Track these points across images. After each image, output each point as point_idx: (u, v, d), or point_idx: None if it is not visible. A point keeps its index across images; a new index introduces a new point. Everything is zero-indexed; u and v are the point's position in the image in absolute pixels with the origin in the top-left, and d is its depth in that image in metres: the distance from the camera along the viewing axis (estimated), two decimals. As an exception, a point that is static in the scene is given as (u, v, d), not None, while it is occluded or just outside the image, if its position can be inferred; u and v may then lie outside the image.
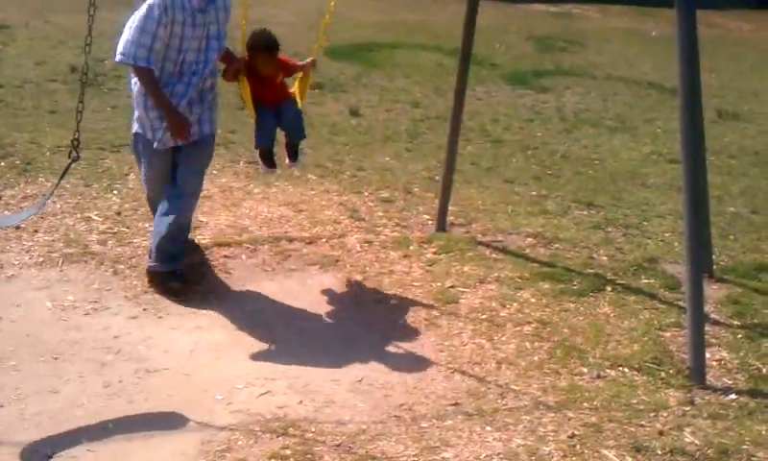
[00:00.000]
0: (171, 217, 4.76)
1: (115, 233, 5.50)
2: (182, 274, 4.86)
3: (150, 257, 4.87)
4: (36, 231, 5.40)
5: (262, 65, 4.80)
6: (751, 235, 6.26)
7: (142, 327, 4.47)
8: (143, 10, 4.43)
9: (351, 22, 13.20)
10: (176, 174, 4.87)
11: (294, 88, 5.10)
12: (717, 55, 12.83)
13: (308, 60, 5.05)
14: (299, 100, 5.03)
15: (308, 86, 5.14)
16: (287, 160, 5.17)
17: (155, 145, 4.74)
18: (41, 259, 5.08)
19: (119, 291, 4.80)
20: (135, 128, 4.84)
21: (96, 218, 5.72)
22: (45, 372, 4.00)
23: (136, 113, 4.79)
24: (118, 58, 4.54)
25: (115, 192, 6.19)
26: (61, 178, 4.24)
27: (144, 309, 4.64)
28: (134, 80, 4.70)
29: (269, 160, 5.06)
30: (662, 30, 14.68)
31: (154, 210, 5.01)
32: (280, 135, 5.10)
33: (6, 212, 5.66)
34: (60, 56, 10.11)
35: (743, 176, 7.77)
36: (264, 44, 4.80)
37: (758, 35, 16.35)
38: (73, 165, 4.18)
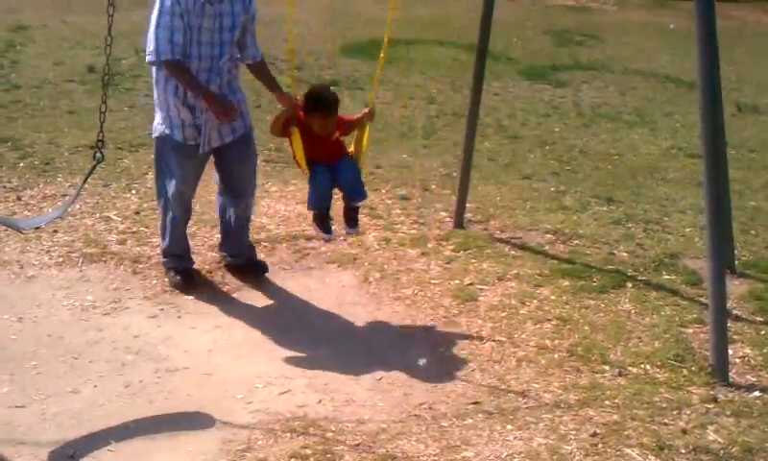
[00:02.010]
0: (242, 219, 4.98)
1: (134, 233, 5.51)
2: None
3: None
4: (55, 232, 5.42)
5: (320, 127, 4.38)
6: (772, 230, 6.19)
7: (162, 326, 4.48)
8: (156, 5, 4.42)
9: (366, 18, 13.18)
10: (229, 174, 4.84)
11: (351, 146, 4.63)
12: (735, 48, 12.70)
13: (365, 110, 4.60)
14: (357, 157, 4.57)
15: (367, 141, 4.60)
16: (345, 226, 4.71)
17: (200, 151, 4.64)
18: (61, 260, 5.11)
19: (138, 291, 4.81)
20: (161, 130, 4.68)
21: (115, 218, 5.74)
22: (66, 372, 4.01)
23: (160, 116, 4.67)
24: (147, 59, 4.51)
25: (134, 192, 6.21)
26: (86, 179, 4.25)
27: (163, 309, 4.65)
28: (155, 78, 4.64)
29: (324, 225, 4.58)
30: (680, 23, 14.56)
31: (182, 213, 4.87)
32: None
33: (26, 214, 5.69)
34: (77, 56, 10.16)
35: (764, 170, 7.69)
36: (325, 105, 4.39)
37: (778, 26, 16.18)
38: (88, 165, 4.18)
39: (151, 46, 4.44)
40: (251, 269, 5.07)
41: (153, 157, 4.96)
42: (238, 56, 4.71)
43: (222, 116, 4.49)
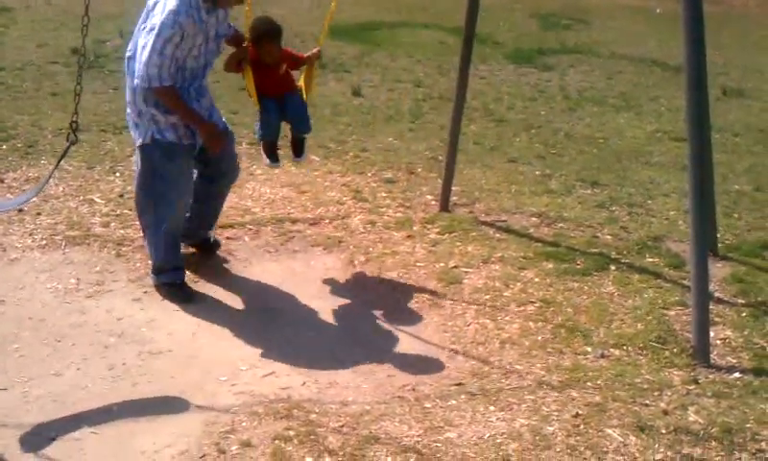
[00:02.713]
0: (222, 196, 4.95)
1: (118, 216, 5.49)
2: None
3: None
4: (38, 214, 5.40)
5: (266, 54, 4.60)
6: (755, 213, 6.23)
7: (145, 309, 4.47)
8: (156, 28, 4.14)
9: (352, 1, 13.12)
10: (214, 163, 4.69)
11: (300, 81, 4.88)
12: (722, 32, 12.73)
13: (313, 50, 4.84)
14: (305, 93, 4.82)
15: (315, 78, 4.91)
16: (292, 155, 4.95)
17: (196, 146, 4.51)
18: (44, 242, 5.08)
19: (122, 273, 4.80)
20: (150, 135, 4.40)
21: (99, 201, 5.71)
22: (49, 355, 4.00)
23: (144, 124, 4.40)
24: (137, 83, 4.26)
25: (117, 174, 6.18)
26: (59, 161, 4.14)
27: (147, 292, 4.63)
28: (134, 92, 4.38)
29: (273, 154, 4.84)
30: (666, 7, 14.57)
31: (181, 223, 4.67)
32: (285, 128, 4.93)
33: (8, 196, 5.65)
34: (61, 38, 10.08)
35: (748, 154, 7.73)
36: (268, 31, 4.62)
37: (764, 11, 16.22)
38: (73, 148, 4.09)
39: (143, 71, 4.19)
40: (204, 248, 5.06)
41: (135, 169, 4.62)
42: None
43: (212, 147, 4.47)
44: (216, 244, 5.13)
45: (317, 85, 4.93)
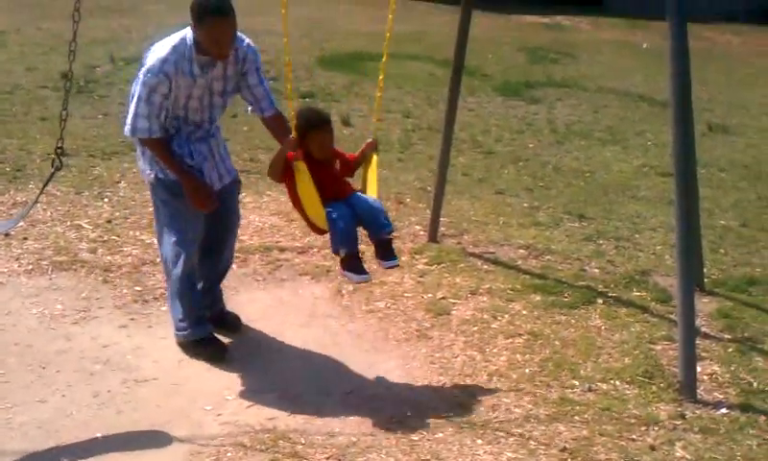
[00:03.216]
0: (219, 274, 4.54)
1: (105, 242, 5.47)
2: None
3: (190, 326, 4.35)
4: (25, 239, 5.37)
5: (318, 146, 3.93)
6: (741, 249, 6.27)
7: (131, 336, 4.44)
8: (140, 77, 3.97)
9: (343, 32, 13.22)
10: (208, 227, 4.32)
11: (358, 183, 4.22)
12: (707, 68, 12.90)
13: (367, 142, 4.21)
14: (371, 191, 4.11)
15: (376, 172, 4.14)
16: (382, 263, 4.12)
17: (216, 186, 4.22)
18: (30, 267, 5.05)
19: (108, 300, 4.77)
20: (156, 175, 4.17)
21: (86, 226, 5.69)
22: (33, 381, 3.96)
23: (146, 160, 4.20)
24: (126, 132, 4.07)
25: (106, 200, 6.17)
26: (45, 186, 4.09)
27: (133, 319, 4.61)
28: (126, 129, 4.10)
29: (357, 265, 3.98)
30: (653, 42, 14.77)
31: (193, 267, 4.32)
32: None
33: (-5, 220, 5.62)
34: (51, 62, 10.08)
35: (733, 189, 7.80)
36: (317, 119, 3.99)
37: (747, 48, 16.46)
38: (60, 173, 4.00)
39: (129, 119, 4.01)
40: (221, 321, 4.58)
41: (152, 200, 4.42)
42: (249, 109, 4.31)
43: (196, 204, 4.09)
44: (235, 321, 4.64)
45: (379, 179, 4.21)
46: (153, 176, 4.17)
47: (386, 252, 4.05)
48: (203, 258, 4.41)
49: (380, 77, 4.25)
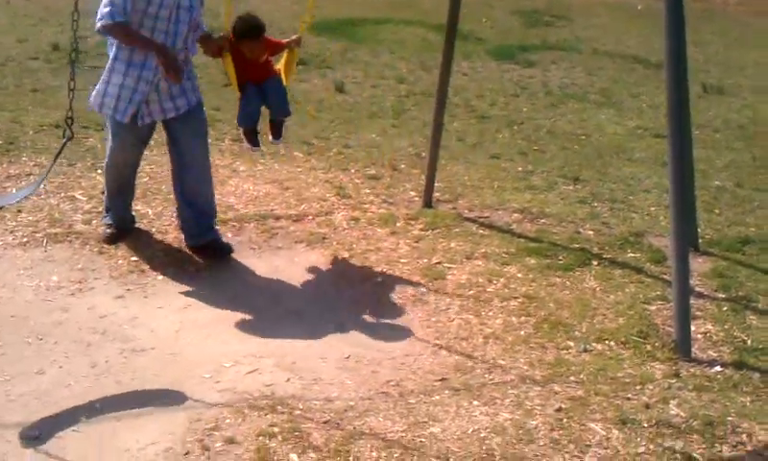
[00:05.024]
0: (196, 193, 4.97)
1: (100, 213, 5.45)
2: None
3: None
4: (19, 212, 5.36)
5: (249, 50, 4.74)
6: (735, 209, 6.29)
7: (128, 306, 4.45)
8: None
9: (336, -2, 13.10)
10: (178, 150, 4.91)
11: (279, 66, 5.04)
12: (702, 29, 12.84)
13: (293, 37, 4.99)
14: (284, 77, 4.97)
15: (294, 64, 5.06)
16: (270, 137, 5.11)
17: (139, 122, 4.71)
18: (26, 240, 5.05)
19: (104, 271, 4.77)
20: (92, 103, 4.81)
21: (80, 197, 5.68)
22: (31, 353, 3.97)
23: (98, 90, 4.74)
24: (97, 26, 4.52)
25: (99, 171, 6.13)
26: (57, 157, 4.19)
27: (129, 289, 4.61)
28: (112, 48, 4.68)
29: (253, 139, 5.02)
30: (648, 3, 14.66)
31: (118, 186, 5.04)
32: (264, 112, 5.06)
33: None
34: (41, 33, 10.01)
35: (728, 150, 7.80)
36: (250, 31, 4.72)
37: (743, 9, 16.35)
38: (67, 143, 4.13)
39: (101, 11, 4.46)
40: (214, 250, 5.03)
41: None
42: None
43: (170, 73, 4.51)
44: (224, 248, 5.09)
45: (296, 70, 5.14)
46: (93, 103, 4.75)
47: (276, 131, 5.08)
48: (177, 190, 5.03)
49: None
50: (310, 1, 4.91)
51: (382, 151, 7.10)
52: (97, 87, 4.76)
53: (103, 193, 5.25)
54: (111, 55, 4.68)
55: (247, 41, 4.71)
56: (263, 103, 4.92)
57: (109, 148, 4.90)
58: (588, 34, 12.81)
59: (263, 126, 5.10)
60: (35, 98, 7.67)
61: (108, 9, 4.44)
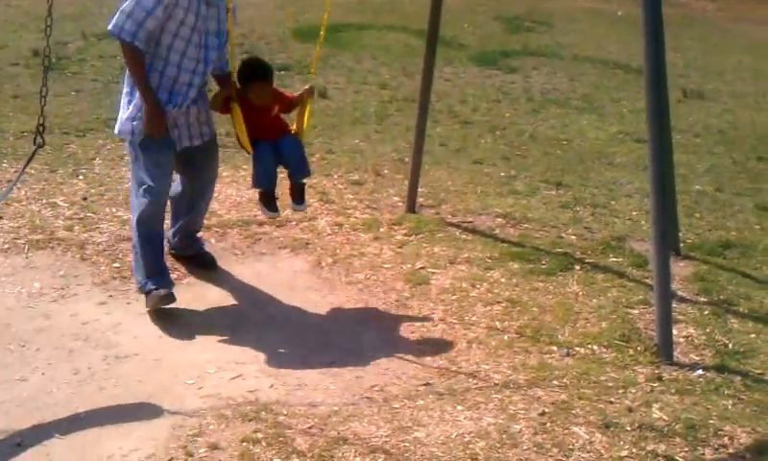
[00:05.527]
0: (200, 215, 4.94)
1: (81, 219, 5.43)
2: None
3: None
4: (0, 218, 5.32)
5: (257, 96, 4.38)
6: (716, 213, 6.34)
7: (111, 313, 4.43)
8: None
9: (319, 3, 13.09)
10: (195, 175, 4.69)
11: (294, 123, 4.64)
12: (682, 34, 12.95)
13: (305, 87, 4.61)
14: (300, 132, 4.57)
15: (309, 116, 4.57)
16: (292, 204, 4.67)
17: (178, 147, 4.43)
18: (7, 246, 5.01)
19: (86, 277, 4.75)
20: (131, 128, 4.33)
21: (62, 204, 5.65)
22: (13, 360, 3.94)
23: (130, 111, 4.32)
24: (109, 28, 4.17)
25: (81, 177, 6.12)
26: (27, 164, 4.13)
27: (112, 295, 4.59)
28: (109, 28, 4.22)
29: (270, 203, 4.53)
30: (628, 9, 14.77)
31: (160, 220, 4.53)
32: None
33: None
34: (21, 39, 9.94)
35: (708, 154, 7.87)
36: (256, 72, 4.42)
37: (722, 14, 16.52)
38: (38, 151, 4.07)
39: (118, 17, 4.10)
40: (196, 260, 4.98)
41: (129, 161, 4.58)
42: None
43: (147, 127, 4.22)
44: (207, 259, 5.00)
45: (312, 126, 4.67)
46: (132, 127, 4.31)
47: (297, 196, 4.61)
48: (182, 208, 4.82)
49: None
50: (316, 51, 4.74)
51: (365, 156, 7.11)
52: (127, 114, 4.35)
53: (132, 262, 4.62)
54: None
55: (254, 85, 4.37)
56: (279, 163, 4.50)
57: (137, 181, 4.39)
58: (568, 39, 12.89)
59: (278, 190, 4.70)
60: (15, 104, 7.62)
61: (130, 24, 4.08)
